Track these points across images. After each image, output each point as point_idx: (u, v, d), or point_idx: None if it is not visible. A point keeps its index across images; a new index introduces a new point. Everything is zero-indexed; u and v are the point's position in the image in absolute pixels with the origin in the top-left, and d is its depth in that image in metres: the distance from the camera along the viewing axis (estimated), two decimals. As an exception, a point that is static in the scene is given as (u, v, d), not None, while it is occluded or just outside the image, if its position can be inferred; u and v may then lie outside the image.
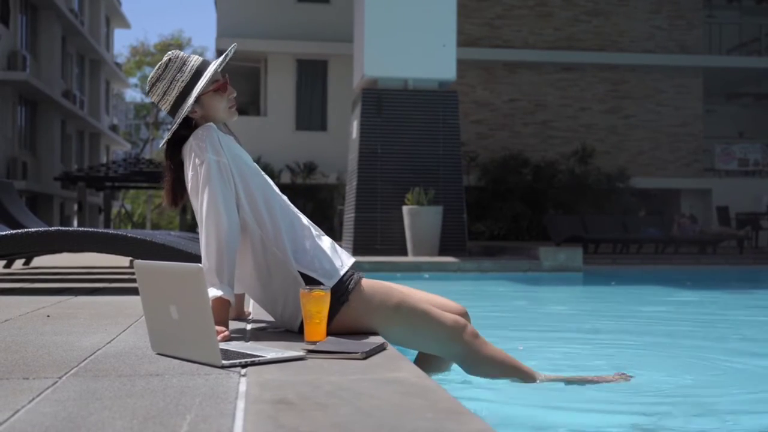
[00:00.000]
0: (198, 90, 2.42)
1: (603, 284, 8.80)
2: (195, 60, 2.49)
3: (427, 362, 2.71)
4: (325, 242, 2.51)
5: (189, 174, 2.40)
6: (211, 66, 2.49)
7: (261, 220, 2.42)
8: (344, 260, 2.49)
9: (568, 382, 2.73)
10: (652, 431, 2.33)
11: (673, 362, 3.54)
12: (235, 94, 2.50)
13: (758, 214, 16.49)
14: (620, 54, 19.77)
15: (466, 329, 2.54)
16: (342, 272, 2.43)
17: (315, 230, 2.53)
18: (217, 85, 2.47)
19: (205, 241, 2.33)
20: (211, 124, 2.42)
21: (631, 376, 2.84)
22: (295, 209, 2.54)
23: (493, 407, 2.45)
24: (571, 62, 19.61)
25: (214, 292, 2.26)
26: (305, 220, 2.53)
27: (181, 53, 2.51)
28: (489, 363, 2.57)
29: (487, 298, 7.16)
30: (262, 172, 2.53)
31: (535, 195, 17.48)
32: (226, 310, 2.30)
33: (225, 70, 2.55)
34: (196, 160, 2.36)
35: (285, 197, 2.55)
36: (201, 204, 2.35)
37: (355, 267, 2.54)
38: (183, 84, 2.43)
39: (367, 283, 2.47)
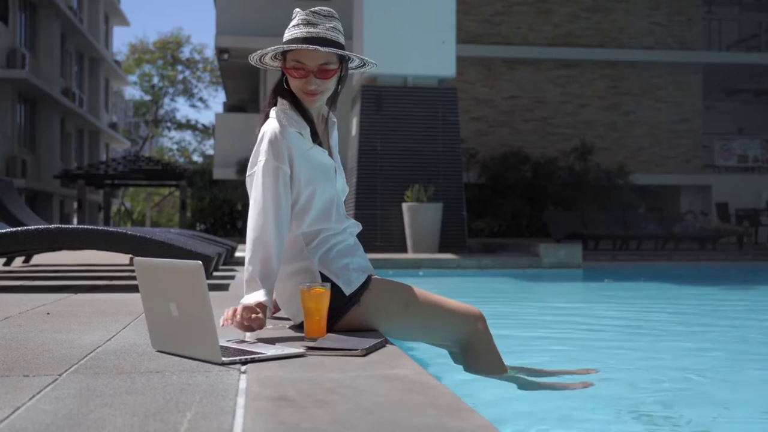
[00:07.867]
0: (275, 49, 2.44)
1: (600, 281, 8.80)
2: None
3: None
4: (356, 249, 2.50)
5: (253, 155, 2.38)
6: (298, 45, 2.41)
7: (306, 222, 2.41)
8: (366, 268, 2.49)
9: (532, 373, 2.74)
10: (649, 426, 2.33)
11: (672, 359, 3.54)
12: (310, 87, 2.41)
13: (758, 210, 16.50)
14: (620, 50, 19.75)
15: (477, 315, 2.52)
16: (363, 280, 2.43)
17: (351, 234, 2.52)
18: (288, 69, 2.44)
19: (251, 246, 2.31)
20: (281, 132, 2.35)
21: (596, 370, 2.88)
22: (343, 211, 2.52)
23: (494, 403, 2.45)
24: (571, 59, 19.59)
25: (255, 298, 2.25)
26: (347, 223, 2.51)
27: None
28: (494, 357, 2.54)
29: (486, 295, 7.16)
30: (331, 173, 2.48)
31: (534, 192, 17.47)
32: (264, 314, 2.27)
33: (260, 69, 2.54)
34: (261, 149, 2.35)
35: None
36: (252, 200, 2.34)
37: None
38: (278, 51, 2.47)
39: (377, 282, 2.46)
